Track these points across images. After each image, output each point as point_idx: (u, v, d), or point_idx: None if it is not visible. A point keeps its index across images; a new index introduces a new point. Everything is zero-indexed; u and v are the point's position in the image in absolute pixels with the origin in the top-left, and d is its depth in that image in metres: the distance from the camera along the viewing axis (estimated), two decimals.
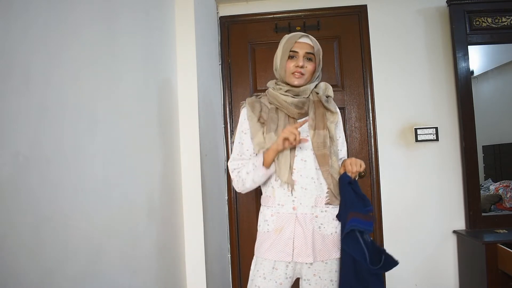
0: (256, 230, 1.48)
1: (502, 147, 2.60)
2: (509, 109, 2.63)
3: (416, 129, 2.36)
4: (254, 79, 2.48)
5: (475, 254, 2.04)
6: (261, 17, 2.49)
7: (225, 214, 2.40)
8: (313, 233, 1.36)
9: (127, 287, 1.22)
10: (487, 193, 2.51)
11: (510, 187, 2.46)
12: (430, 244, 2.32)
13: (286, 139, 1.31)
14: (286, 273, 1.38)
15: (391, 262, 1.33)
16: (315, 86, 1.50)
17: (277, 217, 1.39)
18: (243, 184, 1.44)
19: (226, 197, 2.41)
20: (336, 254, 1.38)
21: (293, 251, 1.35)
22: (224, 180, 2.39)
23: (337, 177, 1.40)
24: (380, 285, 1.34)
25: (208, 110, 2.07)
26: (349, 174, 1.38)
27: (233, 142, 1.54)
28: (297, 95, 1.44)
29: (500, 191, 2.47)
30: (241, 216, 2.44)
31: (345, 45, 2.44)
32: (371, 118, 2.38)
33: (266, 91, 1.52)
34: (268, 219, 1.41)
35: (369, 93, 2.39)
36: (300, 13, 2.46)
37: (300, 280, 1.42)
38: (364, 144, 2.39)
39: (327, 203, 1.39)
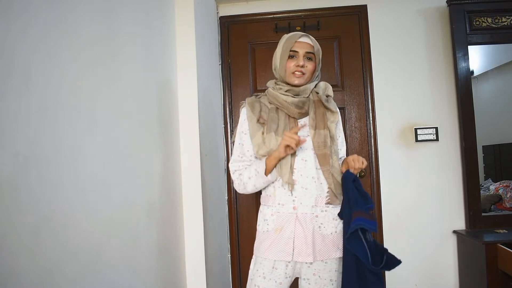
0: (256, 230, 1.48)
1: (502, 147, 2.60)
2: (509, 109, 2.63)
3: (416, 129, 2.36)
4: (254, 79, 2.48)
5: (475, 254, 2.04)
6: (261, 17, 2.49)
7: (225, 214, 2.40)
8: (313, 233, 1.36)
9: (127, 287, 1.22)
10: (487, 193, 2.51)
11: (510, 187, 2.46)
12: (430, 244, 2.32)
13: (287, 146, 1.31)
14: (285, 273, 1.38)
15: (394, 262, 1.33)
16: (315, 86, 1.50)
17: (277, 216, 1.39)
18: (244, 187, 1.44)
19: (226, 197, 2.41)
20: (336, 253, 1.38)
21: (293, 251, 1.35)
22: (224, 180, 2.39)
23: (337, 176, 1.40)
24: (380, 285, 1.34)
25: (208, 110, 2.07)
26: (352, 170, 1.38)
27: (233, 142, 1.53)
28: (297, 94, 1.44)
29: (500, 191, 2.47)
30: (241, 216, 2.44)
31: (345, 45, 2.44)
32: (371, 118, 2.38)
33: (266, 90, 1.52)
34: (268, 218, 1.41)
35: (369, 93, 2.39)
36: (300, 13, 2.46)
37: (300, 279, 1.42)
38: (364, 144, 2.39)
39: (327, 203, 1.39)
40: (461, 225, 2.30)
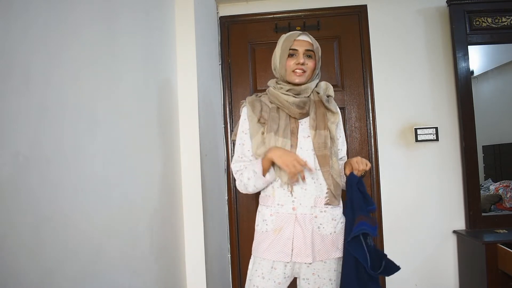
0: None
1: (502, 147, 2.60)
2: (509, 109, 2.63)
3: (416, 129, 2.36)
4: (254, 79, 2.48)
5: (475, 254, 2.04)
6: (261, 17, 2.49)
7: (225, 214, 2.40)
8: (313, 233, 1.36)
9: (127, 287, 1.22)
10: (487, 193, 2.51)
11: (510, 187, 2.46)
12: (430, 244, 2.32)
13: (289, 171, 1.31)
14: (284, 273, 1.38)
15: (392, 268, 1.33)
16: (316, 86, 1.49)
17: (277, 217, 1.39)
18: (245, 188, 1.43)
19: (226, 197, 2.41)
20: (335, 253, 1.38)
21: (292, 252, 1.35)
22: (224, 180, 2.39)
23: (336, 177, 1.40)
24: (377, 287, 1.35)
25: (208, 110, 2.07)
26: (355, 172, 1.38)
27: (233, 141, 1.53)
28: (298, 94, 1.43)
29: (500, 191, 2.47)
30: (241, 216, 2.44)
31: (345, 45, 2.44)
32: (371, 118, 2.38)
33: (267, 89, 1.51)
34: (267, 218, 1.41)
35: (369, 93, 2.39)
36: (300, 13, 2.46)
37: (299, 279, 1.42)
38: (364, 144, 2.39)
39: (326, 204, 1.39)
40: (461, 225, 2.30)
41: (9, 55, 0.76)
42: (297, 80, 1.42)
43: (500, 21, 2.26)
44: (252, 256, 1.45)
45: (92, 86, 1.07)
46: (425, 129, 2.35)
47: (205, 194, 1.87)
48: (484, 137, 2.42)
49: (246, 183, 1.42)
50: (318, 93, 1.49)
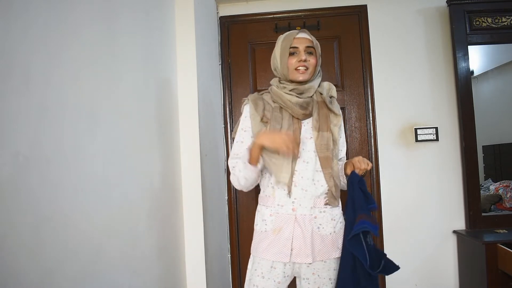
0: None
1: (502, 147, 2.60)
2: (509, 109, 2.63)
3: (416, 129, 2.36)
4: (254, 79, 2.48)
5: (475, 254, 2.04)
6: (261, 17, 2.49)
7: (225, 214, 2.40)
8: (312, 234, 1.36)
9: (127, 287, 1.22)
10: (487, 193, 2.51)
11: (510, 187, 2.46)
12: (430, 244, 2.32)
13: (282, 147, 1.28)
14: (284, 272, 1.38)
15: (391, 267, 1.33)
16: (319, 86, 1.48)
17: (276, 217, 1.39)
18: (238, 182, 1.40)
19: (226, 197, 2.41)
20: (335, 253, 1.38)
21: (291, 252, 1.35)
22: (224, 180, 2.39)
23: (336, 179, 1.40)
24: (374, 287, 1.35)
25: (208, 110, 2.07)
26: (357, 171, 1.38)
27: (233, 138, 1.52)
28: (301, 93, 1.41)
29: (500, 191, 2.47)
30: (241, 216, 2.44)
31: (345, 45, 2.44)
32: (371, 118, 2.38)
33: (269, 88, 1.50)
34: (266, 218, 1.41)
35: (369, 93, 2.39)
36: (300, 13, 2.46)
37: (299, 279, 1.42)
38: (364, 144, 2.39)
39: (326, 204, 1.39)
40: (461, 225, 2.30)
41: (9, 55, 0.76)
42: (300, 78, 1.41)
43: (500, 21, 2.26)
44: (251, 255, 1.45)
45: (92, 86, 1.07)
46: (425, 129, 2.35)
47: (205, 194, 1.87)
48: (484, 137, 2.42)
49: (238, 176, 1.38)
50: (321, 94, 1.47)
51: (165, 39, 1.73)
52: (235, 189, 2.42)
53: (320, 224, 1.38)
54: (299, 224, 1.36)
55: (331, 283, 1.38)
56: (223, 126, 2.43)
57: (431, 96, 2.37)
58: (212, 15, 2.39)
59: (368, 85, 2.39)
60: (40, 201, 0.83)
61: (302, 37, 1.42)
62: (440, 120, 2.35)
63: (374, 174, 2.36)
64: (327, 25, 2.45)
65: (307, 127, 1.43)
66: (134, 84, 1.36)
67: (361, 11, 2.44)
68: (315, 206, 1.38)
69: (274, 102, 1.45)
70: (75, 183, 0.96)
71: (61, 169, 0.91)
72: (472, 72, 2.47)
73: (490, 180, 2.61)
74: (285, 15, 2.47)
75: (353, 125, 2.41)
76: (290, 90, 1.42)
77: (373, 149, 2.37)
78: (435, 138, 2.34)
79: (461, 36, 2.27)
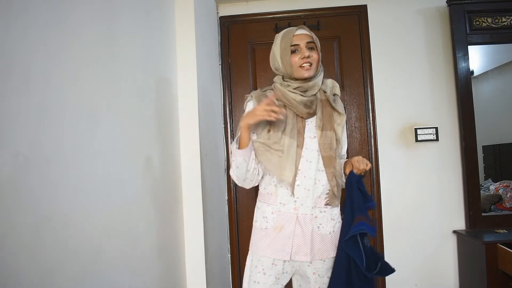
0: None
1: (502, 147, 2.60)
2: (509, 109, 2.63)
3: (416, 129, 2.36)
4: (254, 79, 2.48)
5: (475, 254, 2.04)
6: (261, 17, 2.49)
7: (225, 214, 2.40)
8: (312, 233, 1.36)
9: (127, 287, 1.22)
10: (487, 193, 2.51)
11: (510, 187, 2.46)
12: (430, 244, 2.32)
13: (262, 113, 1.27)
14: (283, 269, 1.39)
15: (388, 269, 1.33)
16: (322, 83, 1.46)
17: (278, 215, 1.38)
18: (233, 172, 1.39)
19: (226, 197, 2.41)
20: (334, 252, 1.39)
21: (291, 250, 1.35)
22: (224, 180, 2.39)
23: (339, 179, 1.40)
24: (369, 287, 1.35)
25: (208, 110, 2.07)
26: (355, 171, 1.38)
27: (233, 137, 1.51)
28: (305, 91, 1.40)
29: (500, 191, 2.47)
30: (241, 216, 2.44)
31: (345, 45, 2.44)
32: (371, 118, 2.38)
33: (273, 85, 1.48)
34: (268, 216, 1.40)
35: (369, 93, 2.39)
36: (300, 13, 2.46)
37: (299, 277, 1.42)
38: (364, 144, 2.39)
39: (326, 204, 1.39)
40: (461, 225, 2.30)
41: (9, 55, 0.76)
42: (306, 75, 1.38)
43: (500, 21, 2.26)
44: (249, 252, 1.45)
45: (92, 86, 1.07)
46: (425, 129, 2.35)
47: (205, 194, 1.87)
48: (484, 137, 2.43)
49: (232, 167, 1.38)
50: (324, 92, 1.46)
51: (165, 39, 1.73)
52: (235, 189, 2.43)
53: (320, 224, 1.38)
54: (300, 223, 1.36)
55: None
56: (223, 126, 2.43)
57: (431, 96, 2.37)
58: (212, 15, 2.39)
59: (368, 85, 2.39)
60: (40, 201, 0.83)
61: (302, 33, 1.40)
62: (440, 120, 2.35)
63: (374, 174, 2.36)
64: (327, 25, 2.45)
65: (311, 126, 1.41)
66: (134, 84, 1.36)
67: (361, 11, 2.44)
68: (316, 206, 1.38)
69: (277, 100, 1.43)
70: (75, 183, 0.96)
71: (61, 169, 0.91)
72: (472, 72, 2.47)
73: (490, 180, 2.61)
74: (285, 15, 2.47)
75: (353, 125, 2.41)
76: (294, 88, 1.40)
77: (373, 149, 2.37)
78: (435, 138, 2.34)
79: (461, 36, 2.27)
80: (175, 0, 1.87)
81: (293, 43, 1.39)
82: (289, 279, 1.43)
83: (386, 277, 2.28)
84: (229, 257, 2.40)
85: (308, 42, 1.40)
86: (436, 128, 2.34)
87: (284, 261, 1.38)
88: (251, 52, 2.49)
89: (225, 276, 2.31)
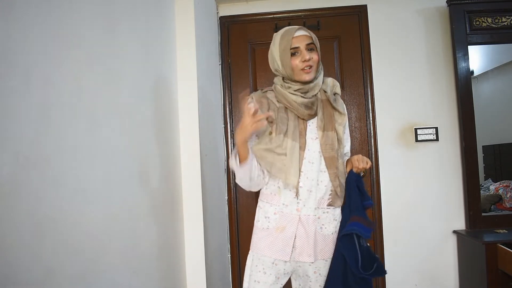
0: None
1: (502, 147, 2.60)
2: (509, 109, 2.63)
3: (416, 129, 2.36)
4: (254, 79, 2.48)
5: (475, 254, 2.04)
6: (261, 17, 2.49)
7: (225, 214, 2.40)
8: (315, 234, 1.36)
9: (127, 287, 1.22)
10: (487, 193, 2.51)
11: (510, 187, 2.46)
12: (430, 244, 2.32)
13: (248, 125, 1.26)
14: (284, 269, 1.39)
15: (381, 271, 1.33)
16: (322, 82, 1.45)
17: (280, 216, 1.38)
18: (238, 182, 1.40)
19: (226, 197, 2.41)
20: None
21: (292, 251, 1.35)
22: (224, 180, 2.39)
23: (341, 179, 1.40)
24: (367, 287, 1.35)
25: (208, 110, 2.07)
26: (354, 170, 1.38)
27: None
28: (306, 92, 1.39)
29: (500, 191, 2.47)
30: (241, 216, 2.44)
31: (345, 45, 2.44)
32: (371, 118, 2.38)
33: (273, 86, 1.47)
34: (270, 216, 1.40)
35: (369, 93, 2.39)
36: (300, 13, 2.46)
37: (299, 277, 1.43)
38: (364, 144, 2.39)
39: (329, 205, 1.39)
40: (461, 225, 2.30)
41: (10, 55, 0.76)
42: (307, 78, 1.37)
43: (500, 21, 2.26)
44: (250, 251, 1.45)
45: (92, 86, 1.07)
46: (425, 129, 2.35)
47: (205, 194, 1.87)
48: (484, 137, 2.43)
49: (237, 178, 1.40)
50: (325, 91, 1.45)
51: (165, 39, 1.73)
52: (235, 189, 2.43)
53: (323, 224, 1.38)
54: (303, 224, 1.36)
55: None
56: (223, 126, 2.43)
57: (431, 96, 2.37)
58: (212, 15, 2.39)
59: (368, 85, 2.39)
60: (40, 201, 0.83)
61: (301, 35, 1.38)
62: (440, 120, 2.35)
63: (374, 174, 2.36)
64: (327, 25, 2.45)
65: (312, 127, 1.41)
66: (134, 84, 1.36)
67: (361, 11, 2.44)
68: (319, 206, 1.38)
69: (278, 101, 1.42)
70: (75, 183, 0.96)
71: (61, 169, 0.91)
72: (472, 72, 2.48)
73: (490, 180, 2.61)
74: (285, 15, 2.47)
75: (353, 125, 2.41)
76: (295, 90, 1.39)
77: (373, 149, 2.37)
78: (435, 138, 2.34)
79: (461, 36, 2.27)
80: (175, 0, 1.87)
81: (292, 46, 1.36)
82: (288, 279, 1.44)
83: (386, 277, 2.28)
84: (229, 257, 2.40)
85: (308, 44, 1.38)
86: (436, 128, 2.34)
87: (285, 262, 1.38)
88: (251, 52, 2.49)
89: (225, 276, 2.31)
